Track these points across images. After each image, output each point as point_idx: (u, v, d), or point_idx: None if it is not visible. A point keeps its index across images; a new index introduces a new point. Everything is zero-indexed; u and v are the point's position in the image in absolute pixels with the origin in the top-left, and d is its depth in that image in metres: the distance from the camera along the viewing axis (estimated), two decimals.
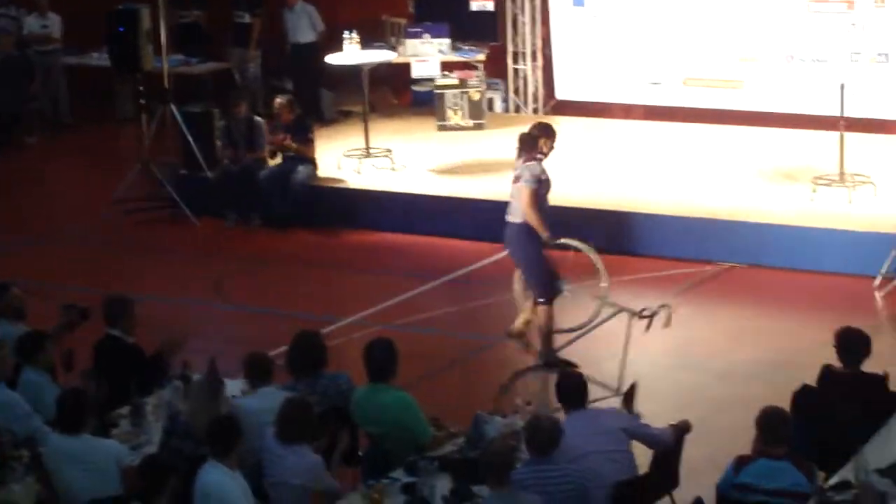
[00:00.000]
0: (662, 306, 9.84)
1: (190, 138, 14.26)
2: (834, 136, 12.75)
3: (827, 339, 8.12)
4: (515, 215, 10.02)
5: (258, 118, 14.44)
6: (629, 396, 8.13)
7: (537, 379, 10.08)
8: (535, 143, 10.13)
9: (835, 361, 8.01)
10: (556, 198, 13.05)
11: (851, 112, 13.08)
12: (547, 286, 9.98)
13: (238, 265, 13.04)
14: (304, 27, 16.39)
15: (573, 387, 7.63)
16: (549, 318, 9.98)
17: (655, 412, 8.68)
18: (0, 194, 14.59)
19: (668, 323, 9.80)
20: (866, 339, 7.95)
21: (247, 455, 7.36)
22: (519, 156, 10.15)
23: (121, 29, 14.32)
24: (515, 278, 10.41)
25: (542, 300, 10.00)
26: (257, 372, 7.97)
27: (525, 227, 9.94)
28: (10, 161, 16.27)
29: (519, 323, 10.28)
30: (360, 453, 8.09)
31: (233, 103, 14.38)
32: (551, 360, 9.95)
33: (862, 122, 13.80)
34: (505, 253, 12.61)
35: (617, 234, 12.59)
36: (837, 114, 12.67)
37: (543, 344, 10.06)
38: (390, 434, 7.83)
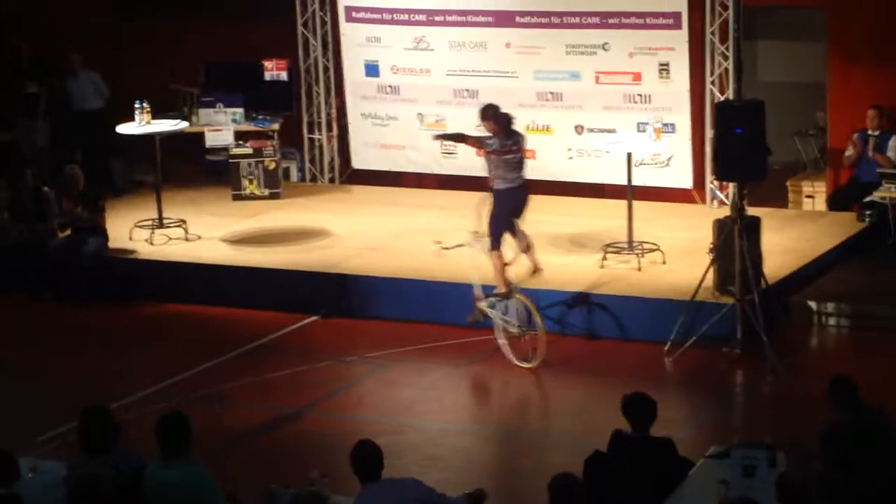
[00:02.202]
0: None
1: None
2: (622, 204, 13.05)
3: (619, 405, 8.24)
4: (522, 178, 11.73)
5: (46, 189, 14.15)
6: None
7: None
8: None
9: (626, 426, 8.14)
10: (352, 267, 13.17)
11: (639, 181, 13.44)
12: None
13: (27, 340, 12.70)
14: (90, 94, 16.18)
15: (367, 457, 7.58)
16: None
17: (450, 481, 8.72)
18: None
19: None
20: (652, 403, 8.10)
21: None
22: (503, 131, 11.64)
23: None
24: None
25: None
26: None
27: None
28: None
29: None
30: None
31: (20, 174, 14.08)
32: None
33: (649, 190, 14.17)
34: (303, 322, 12.68)
35: (413, 302, 12.64)
36: (625, 182, 12.98)
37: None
38: None
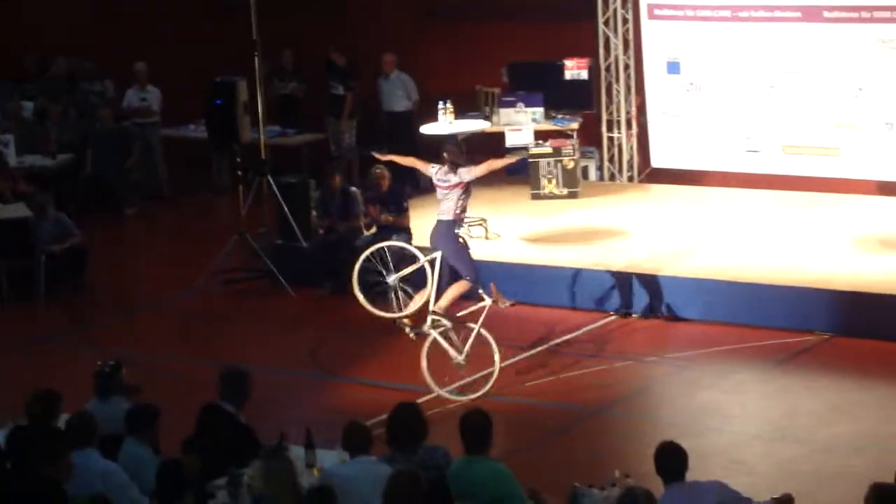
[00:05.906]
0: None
1: (286, 209, 14.35)
2: None
3: None
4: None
5: (353, 188, 14.52)
6: None
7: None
8: None
9: None
10: (652, 267, 13.06)
11: None
12: None
13: (334, 335, 13.04)
14: (398, 96, 16.51)
15: (672, 458, 7.50)
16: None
17: (756, 485, 8.54)
18: (99, 265, 14.74)
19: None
20: None
21: None
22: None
23: (218, 102, 14.50)
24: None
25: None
26: (356, 442, 7.95)
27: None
28: (109, 232, 16.47)
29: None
30: None
31: (328, 174, 14.49)
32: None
33: None
34: (603, 321, 12.64)
35: (715, 304, 12.46)
36: None
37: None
38: None
